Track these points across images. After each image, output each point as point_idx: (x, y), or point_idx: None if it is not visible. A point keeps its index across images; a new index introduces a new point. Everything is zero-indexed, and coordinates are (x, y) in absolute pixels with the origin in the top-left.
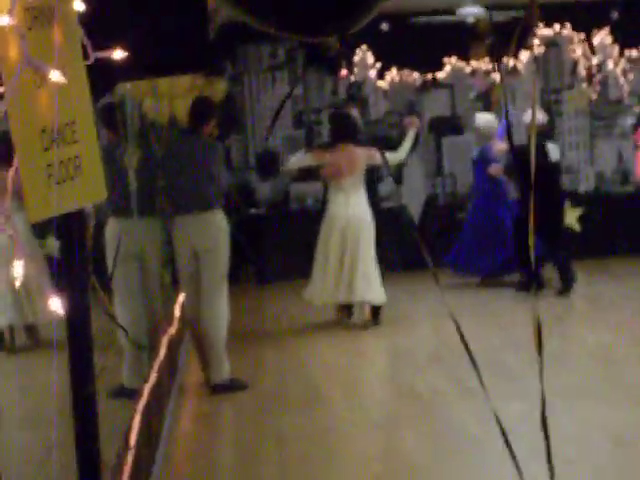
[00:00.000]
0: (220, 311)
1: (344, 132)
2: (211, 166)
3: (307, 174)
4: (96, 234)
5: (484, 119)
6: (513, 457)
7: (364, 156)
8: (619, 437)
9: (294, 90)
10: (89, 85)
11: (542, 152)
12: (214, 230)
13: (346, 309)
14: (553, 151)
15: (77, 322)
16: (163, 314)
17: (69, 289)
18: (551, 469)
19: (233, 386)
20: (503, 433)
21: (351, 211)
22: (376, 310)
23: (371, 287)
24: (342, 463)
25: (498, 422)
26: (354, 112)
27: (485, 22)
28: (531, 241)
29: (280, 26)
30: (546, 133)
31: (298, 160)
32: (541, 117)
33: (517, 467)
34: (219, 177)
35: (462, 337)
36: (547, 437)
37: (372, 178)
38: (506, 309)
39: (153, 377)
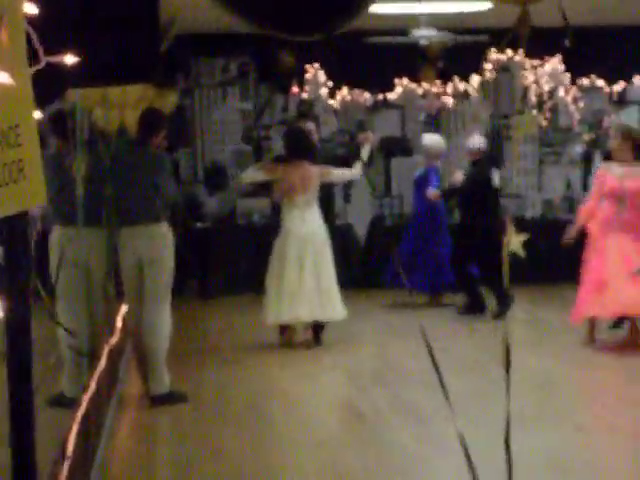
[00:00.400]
0: (162, 323)
1: (298, 148)
2: (157, 178)
3: (259, 189)
4: (40, 241)
5: (431, 139)
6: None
7: (318, 173)
8: (556, 462)
9: (247, 105)
10: (39, 90)
11: (485, 178)
12: (159, 242)
13: (289, 328)
14: (495, 177)
15: (17, 327)
16: (105, 324)
17: (10, 293)
18: None
19: (173, 398)
20: (467, 455)
21: (307, 228)
22: (319, 329)
23: (332, 303)
24: (279, 479)
25: (464, 445)
26: (311, 127)
27: (437, 45)
28: (506, 267)
29: (273, 24)
30: (492, 159)
31: (250, 174)
32: (481, 142)
33: None
34: (166, 189)
35: (432, 357)
36: (509, 459)
37: (327, 195)
38: (447, 331)
39: (93, 387)
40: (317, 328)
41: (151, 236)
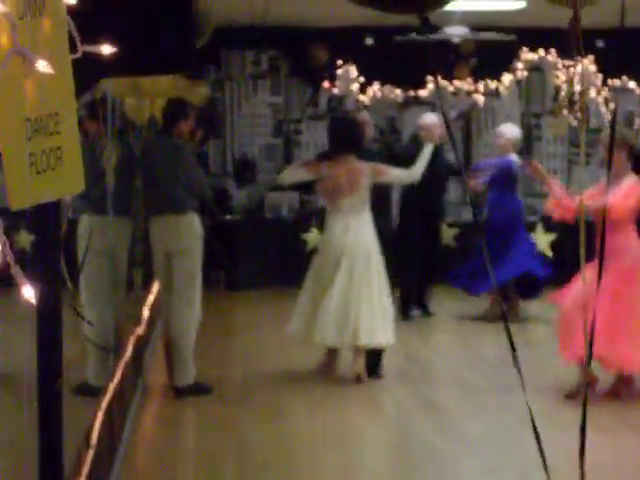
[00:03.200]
0: (190, 314)
1: (346, 142)
2: (180, 167)
3: (305, 187)
4: (69, 229)
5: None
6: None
7: (369, 172)
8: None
9: (277, 99)
10: (74, 79)
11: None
12: (187, 233)
13: (334, 353)
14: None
15: (47, 315)
16: (131, 314)
17: (40, 279)
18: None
19: (197, 390)
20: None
21: (351, 238)
22: (376, 358)
23: (379, 328)
24: (302, 475)
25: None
26: (365, 117)
27: (470, 43)
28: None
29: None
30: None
31: (291, 174)
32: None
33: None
34: (190, 179)
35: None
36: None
37: (383, 200)
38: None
39: (118, 376)
40: (375, 356)
41: (178, 227)
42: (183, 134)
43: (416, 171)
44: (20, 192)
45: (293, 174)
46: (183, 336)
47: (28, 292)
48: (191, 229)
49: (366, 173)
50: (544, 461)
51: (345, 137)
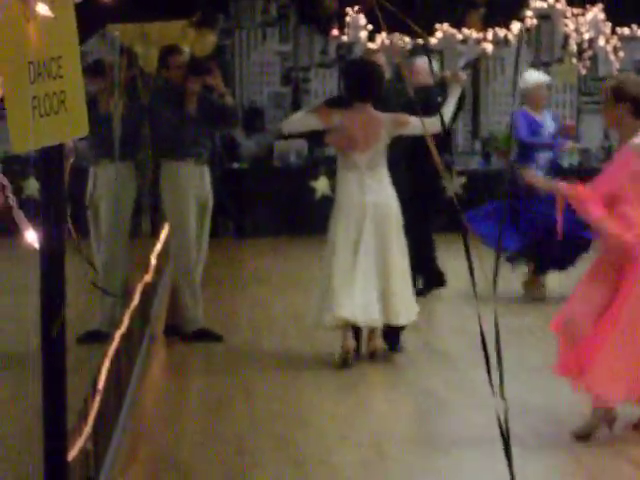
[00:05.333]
0: (199, 260)
1: (363, 88)
2: (188, 115)
3: (312, 138)
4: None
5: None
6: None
7: (389, 123)
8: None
9: (286, 47)
10: (78, 25)
11: None
12: (196, 179)
13: (344, 333)
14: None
15: (52, 260)
16: (139, 261)
17: (46, 223)
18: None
19: (205, 336)
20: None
21: (368, 198)
22: (396, 332)
23: (397, 304)
24: (310, 422)
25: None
26: (381, 60)
27: None
28: None
29: None
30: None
31: (298, 121)
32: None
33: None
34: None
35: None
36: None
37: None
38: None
39: (125, 323)
40: (394, 331)
41: (188, 173)
42: (171, 77)
43: (443, 119)
44: (23, 135)
45: (299, 122)
46: (192, 281)
47: (31, 236)
48: (201, 176)
49: (385, 124)
50: None
51: (362, 82)
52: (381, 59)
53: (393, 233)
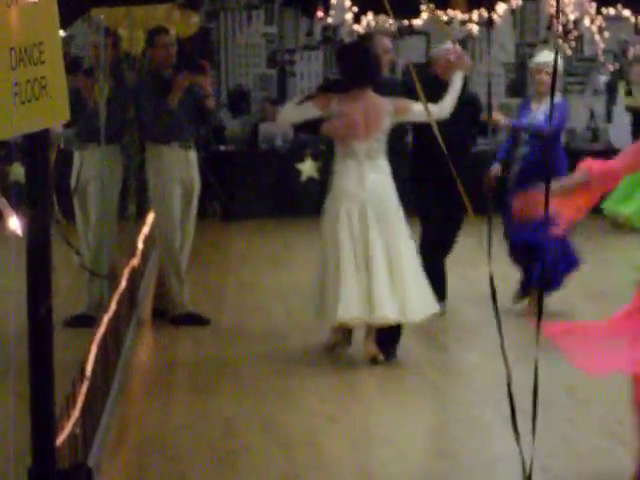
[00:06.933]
0: (185, 243)
1: (361, 72)
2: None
3: (307, 128)
4: (60, 162)
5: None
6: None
7: (390, 109)
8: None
9: (271, 29)
10: (61, 9)
11: None
12: (181, 162)
13: (335, 330)
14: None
15: (37, 245)
16: (125, 245)
17: (31, 208)
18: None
19: (192, 319)
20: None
21: (368, 188)
22: (393, 337)
23: (405, 300)
24: (297, 401)
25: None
26: (387, 44)
27: None
28: None
29: None
30: None
31: (294, 111)
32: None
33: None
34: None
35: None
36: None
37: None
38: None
39: (112, 307)
40: (392, 335)
41: (173, 157)
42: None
43: (447, 105)
44: (4, 122)
45: (296, 111)
46: (177, 265)
47: (14, 223)
48: (187, 159)
49: (387, 111)
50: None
51: (361, 68)
52: (387, 43)
53: (397, 227)
